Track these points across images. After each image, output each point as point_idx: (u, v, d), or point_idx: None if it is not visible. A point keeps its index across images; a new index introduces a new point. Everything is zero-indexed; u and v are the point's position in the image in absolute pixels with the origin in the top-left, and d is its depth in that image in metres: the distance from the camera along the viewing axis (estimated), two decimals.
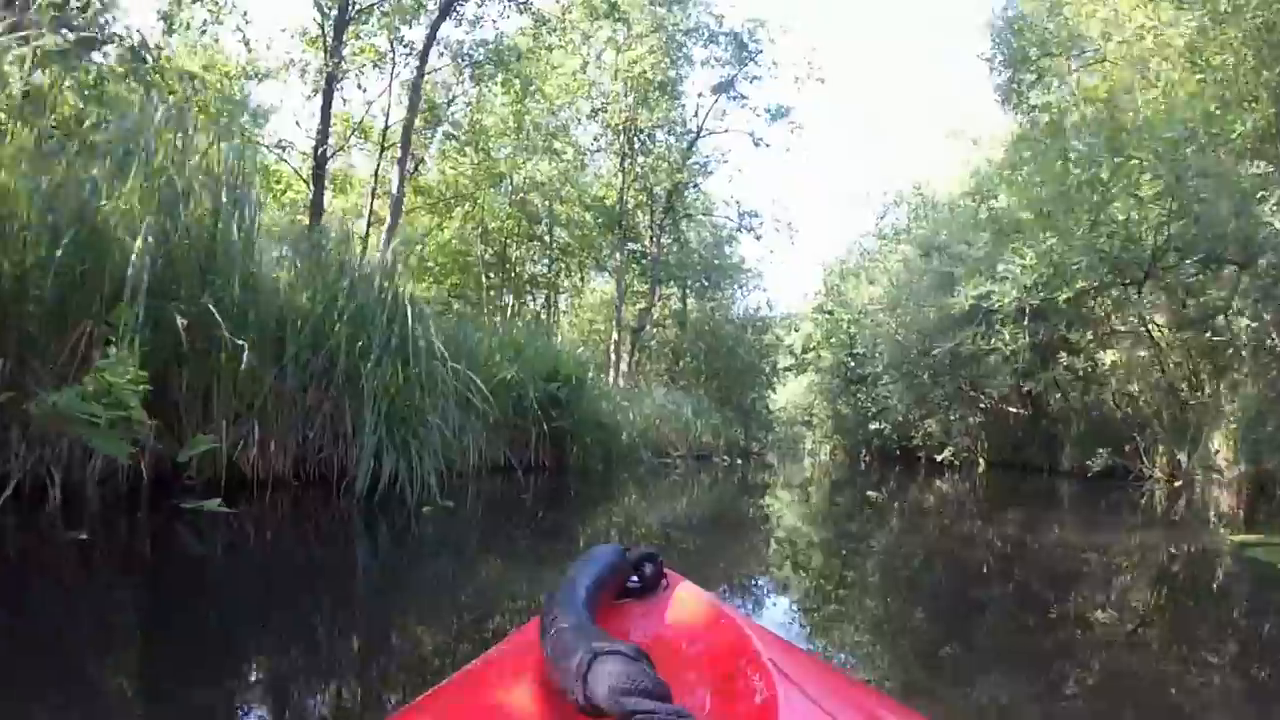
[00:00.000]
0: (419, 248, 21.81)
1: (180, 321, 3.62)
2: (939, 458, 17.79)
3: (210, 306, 3.82)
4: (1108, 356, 11.88)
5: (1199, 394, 10.64)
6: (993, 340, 12.06)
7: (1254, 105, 7.57)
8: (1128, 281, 8.65)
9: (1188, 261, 8.65)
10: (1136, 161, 7.24)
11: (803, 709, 0.64)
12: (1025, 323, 10.71)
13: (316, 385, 4.82)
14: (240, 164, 5.18)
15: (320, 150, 14.00)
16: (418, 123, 17.99)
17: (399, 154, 14.61)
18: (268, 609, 2.27)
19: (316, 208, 13.98)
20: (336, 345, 4.58)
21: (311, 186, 14.45)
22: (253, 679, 1.73)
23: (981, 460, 17.19)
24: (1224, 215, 7.53)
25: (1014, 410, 16.46)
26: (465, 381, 4.98)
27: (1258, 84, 7.54)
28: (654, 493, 7.82)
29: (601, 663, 0.58)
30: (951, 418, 17.42)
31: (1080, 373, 12.73)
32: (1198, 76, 7.87)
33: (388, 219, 14.37)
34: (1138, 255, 8.29)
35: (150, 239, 3.73)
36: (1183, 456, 10.34)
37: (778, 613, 2.55)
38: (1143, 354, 10.95)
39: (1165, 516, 7.42)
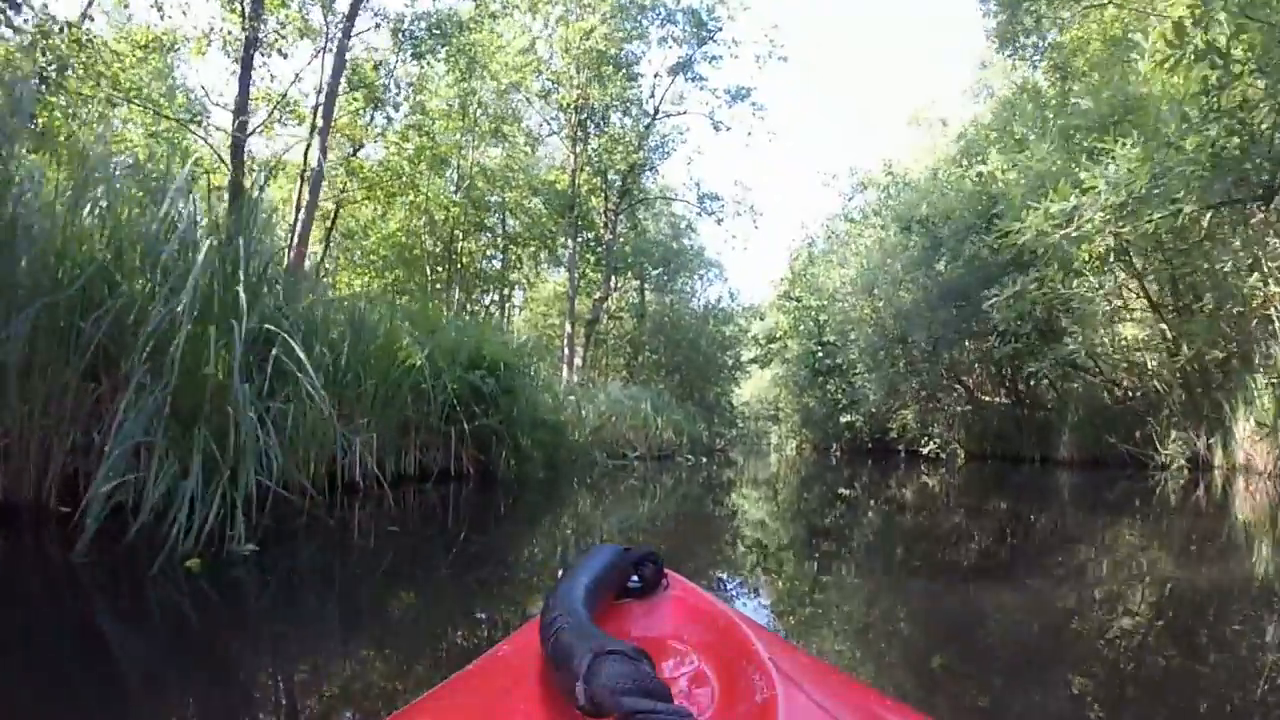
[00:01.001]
0: (362, 241, 20.40)
1: None
2: (924, 450, 16.53)
3: None
4: (1127, 330, 10.61)
5: (1219, 370, 9.46)
6: (1075, 284, 9.49)
7: None
8: (1258, 195, 6.87)
9: None
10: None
11: (803, 708, 0.64)
12: (1112, 259, 8.79)
13: (109, 371, 3.37)
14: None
15: (239, 121, 12.55)
16: (357, 104, 16.66)
17: (320, 124, 13.06)
18: None
19: (235, 188, 12.44)
20: (114, 309, 3.08)
21: (230, 165, 12.95)
22: None
23: (961, 452, 16.12)
24: None
25: (995, 400, 15.44)
26: (299, 362, 3.40)
27: None
28: (608, 500, 6.45)
29: (602, 663, 0.57)
30: (933, 405, 16.24)
31: (1097, 348, 11.17)
32: None
33: (306, 196, 12.81)
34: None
35: None
36: (1201, 443, 9.26)
37: (776, 614, 2.33)
38: (1163, 326, 9.61)
39: (1187, 511, 6.31)
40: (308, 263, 16.57)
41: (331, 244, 19.52)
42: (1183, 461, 9.73)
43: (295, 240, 12.24)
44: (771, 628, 2.02)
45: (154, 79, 16.81)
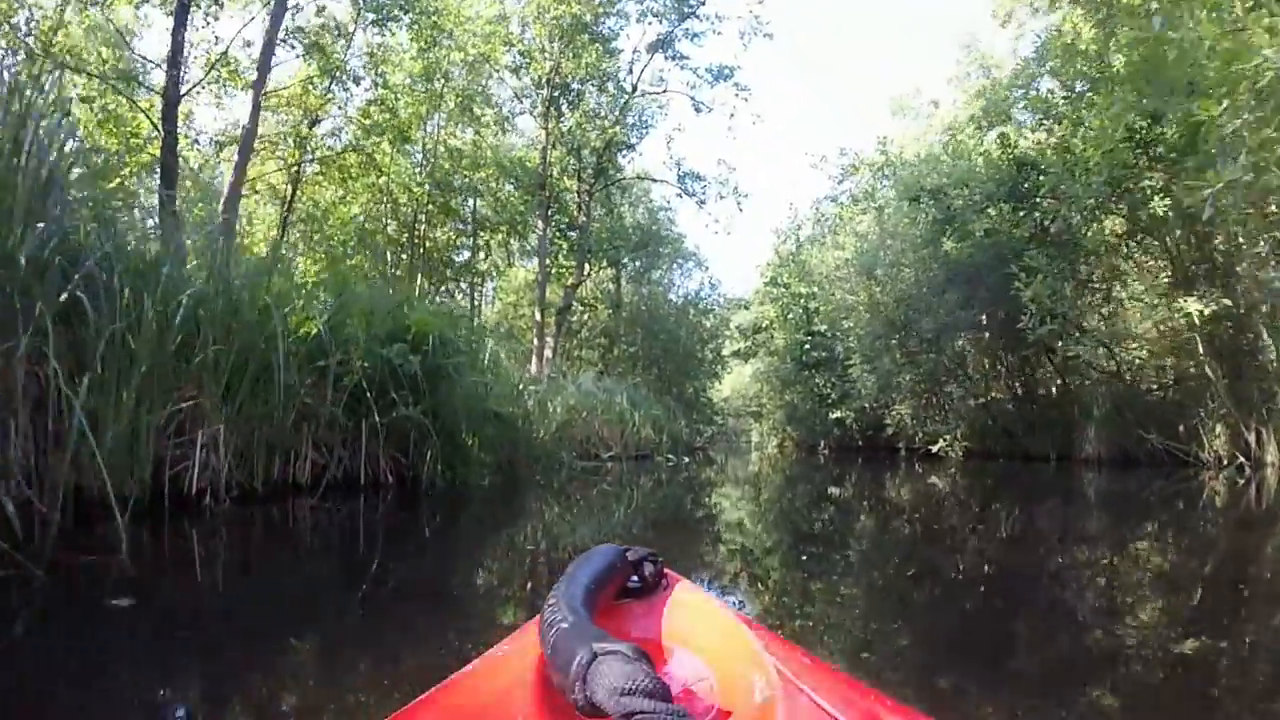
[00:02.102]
0: (323, 226, 18.88)
1: None
2: (933, 449, 14.98)
3: None
4: (1164, 311, 9.27)
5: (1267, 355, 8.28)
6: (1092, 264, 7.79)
7: None
8: None
9: None
10: None
11: (803, 708, 0.63)
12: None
13: None
14: None
15: (171, 76, 11.14)
16: (311, 72, 15.28)
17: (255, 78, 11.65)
18: None
19: (168, 156, 10.97)
20: None
21: (162, 131, 11.46)
22: None
23: (961, 449, 14.86)
24: None
25: (999, 395, 14.27)
26: None
27: None
28: (575, 512, 5.10)
29: (601, 663, 0.56)
30: (933, 400, 14.95)
31: (1136, 328, 9.82)
32: None
33: (235, 158, 11.32)
34: None
35: None
36: (1251, 437, 8.08)
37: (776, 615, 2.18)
38: (1200, 307, 8.29)
39: (1241, 517, 5.20)
40: (263, 248, 15.11)
41: (292, 230, 18.04)
42: (1241, 459, 8.55)
43: (221, 206, 10.79)
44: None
45: (104, 46, 15.15)
